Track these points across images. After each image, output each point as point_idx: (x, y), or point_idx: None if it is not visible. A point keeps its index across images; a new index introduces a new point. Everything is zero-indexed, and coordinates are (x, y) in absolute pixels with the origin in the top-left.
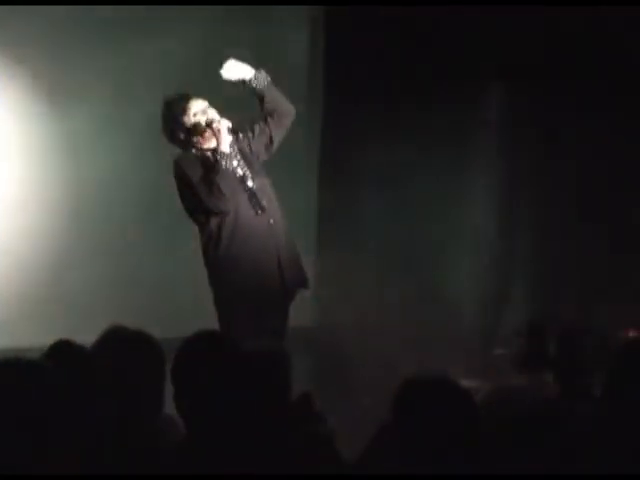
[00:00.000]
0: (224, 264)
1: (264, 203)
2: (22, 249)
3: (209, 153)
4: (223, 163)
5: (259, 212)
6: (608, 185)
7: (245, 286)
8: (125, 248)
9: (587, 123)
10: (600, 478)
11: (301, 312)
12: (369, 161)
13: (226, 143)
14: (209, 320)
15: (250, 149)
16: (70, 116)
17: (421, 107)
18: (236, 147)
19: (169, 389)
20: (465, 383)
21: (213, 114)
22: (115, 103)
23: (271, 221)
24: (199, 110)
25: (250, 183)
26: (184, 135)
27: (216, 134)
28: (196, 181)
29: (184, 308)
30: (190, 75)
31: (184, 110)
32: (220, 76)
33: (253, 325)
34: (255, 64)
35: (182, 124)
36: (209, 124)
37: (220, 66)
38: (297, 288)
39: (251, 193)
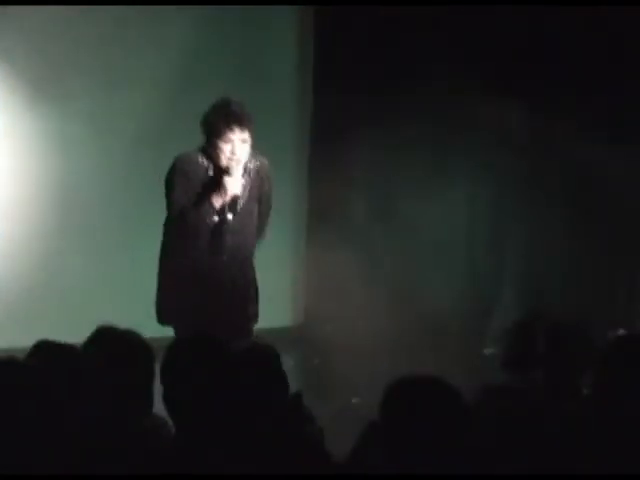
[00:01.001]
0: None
1: (228, 244)
2: (8, 251)
3: (213, 170)
4: (224, 183)
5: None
6: (596, 185)
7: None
8: (114, 248)
9: (571, 123)
10: (592, 478)
11: (284, 312)
12: (359, 161)
13: (236, 177)
14: None
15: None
16: (56, 115)
17: (410, 108)
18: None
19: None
20: (454, 382)
21: (244, 152)
22: (102, 102)
23: (224, 258)
24: (238, 139)
25: (229, 216)
26: (209, 144)
27: (231, 169)
28: (190, 184)
29: None
30: (180, 76)
31: (225, 130)
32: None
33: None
34: (245, 66)
35: (216, 137)
36: (230, 165)
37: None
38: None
39: (220, 229)
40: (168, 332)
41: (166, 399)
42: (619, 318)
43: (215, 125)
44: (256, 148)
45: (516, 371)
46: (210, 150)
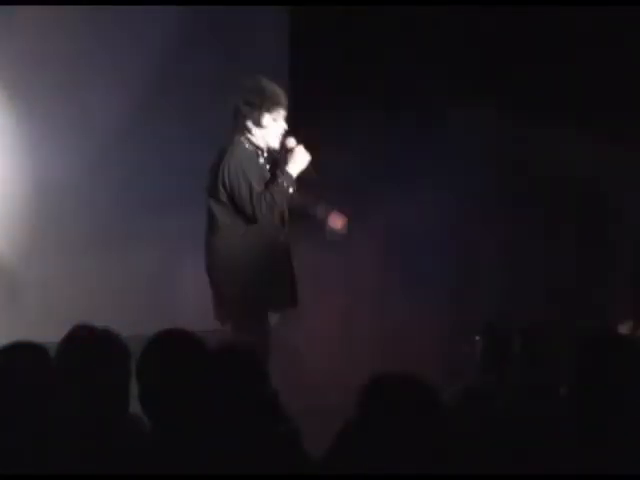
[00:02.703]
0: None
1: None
2: None
3: (267, 148)
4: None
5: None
6: (573, 187)
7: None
8: (89, 248)
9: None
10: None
11: None
12: (334, 161)
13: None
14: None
15: None
16: (31, 114)
17: (388, 107)
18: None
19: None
20: (430, 382)
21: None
22: (79, 102)
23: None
24: (281, 117)
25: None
26: (253, 126)
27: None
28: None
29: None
30: (157, 76)
31: (277, 107)
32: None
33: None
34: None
35: (260, 115)
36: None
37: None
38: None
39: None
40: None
41: (142, 397)
42: (593, 318)
43: (267, 107)
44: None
45: (491, 371)
46: (257, 132)
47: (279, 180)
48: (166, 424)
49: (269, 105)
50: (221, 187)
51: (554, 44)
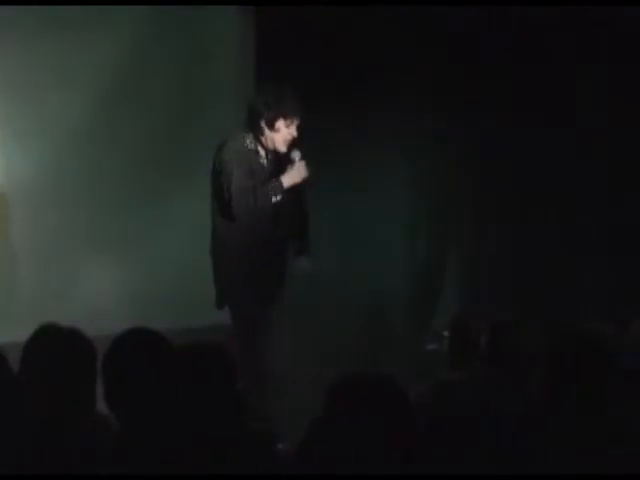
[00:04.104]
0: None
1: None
2: None
3: (272, 153)
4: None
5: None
6: (538, 183)
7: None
8: (48, 251)
9: (510, 122)
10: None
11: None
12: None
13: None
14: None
15: None
16: None
17: (352, 106)
18: None
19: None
20: (397, 379)
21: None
22: (39, 102)
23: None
24: (294, 125)
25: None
26: (265, 126)
27: (295, 151)
28: (249, 167)
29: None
30: (117, 75)
31: (289, 114)
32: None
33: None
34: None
35: (279, 121)
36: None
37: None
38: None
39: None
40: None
41: (107, 396)
42: (562, 314)
43: (283, 113)
44: (197, 148)
45: (459, 367)
46: (267, 133)
47: (268, 185)
48: (132, 424)
49: (286, 111)
50: (214, 176)
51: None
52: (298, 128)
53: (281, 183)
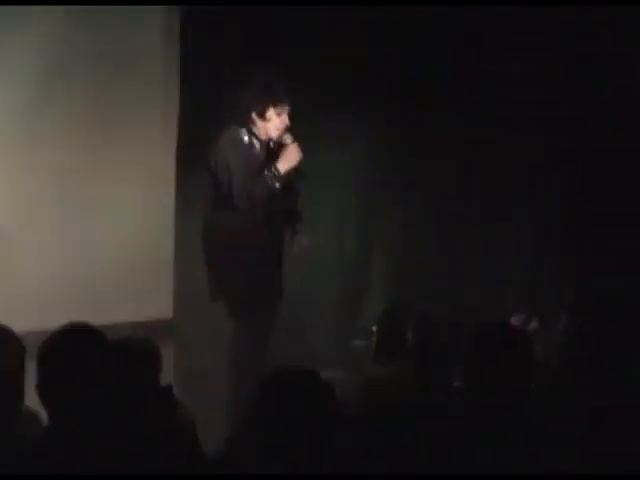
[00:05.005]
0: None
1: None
2: None
3: (264, 141)
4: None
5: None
6: (465, 182)
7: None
8: None
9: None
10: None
11: (161, 304)
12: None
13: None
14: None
15: None
16: None
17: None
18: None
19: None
20: (324, 375)
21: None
22: None
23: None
24: (285, 112)
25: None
26: (257, 117)
27: (288, 137)
28: (246, 156)
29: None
30: (44, 76)
31: (279, 102)
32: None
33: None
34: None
35: (270, 109)
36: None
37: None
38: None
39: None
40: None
41: (41, 391)
42: (488, 309)
43: (269, 98)
44: (121, 146)
45: (385, 363)
46: (259, 123)
47: (265, 174)
48: (63, 418)
49: (275, 99)
50: (209, 170)
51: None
52: (289, 115)
53: (278, 170)
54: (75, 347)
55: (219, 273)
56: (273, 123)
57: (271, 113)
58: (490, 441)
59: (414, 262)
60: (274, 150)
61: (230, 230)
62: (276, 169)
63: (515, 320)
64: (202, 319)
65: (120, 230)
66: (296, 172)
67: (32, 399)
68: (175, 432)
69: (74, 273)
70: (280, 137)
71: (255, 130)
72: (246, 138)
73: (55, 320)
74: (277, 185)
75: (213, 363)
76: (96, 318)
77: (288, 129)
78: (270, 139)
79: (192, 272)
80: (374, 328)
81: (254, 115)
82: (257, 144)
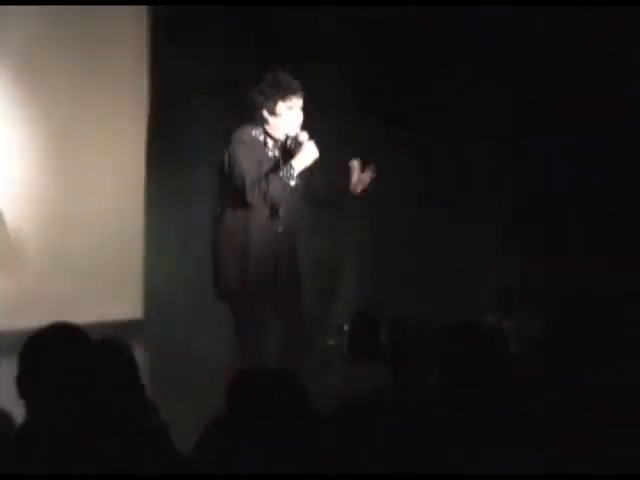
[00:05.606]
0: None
1: (282, 212)
2: None
3: (276, 139)
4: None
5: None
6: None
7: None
8: None
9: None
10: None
11: (130, 305)
12: (199, 160)
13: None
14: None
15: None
16: None
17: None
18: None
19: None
20: (297, 376)
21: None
22: None
23: (279, 229)
24: (296, 106)
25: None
26: (268, 115)
27: (302, 134)
28: (256, 154)
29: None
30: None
31: (292, 99)
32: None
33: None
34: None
35: (274, 104)
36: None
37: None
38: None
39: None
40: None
41: (21, 387)
42: (462, 308)
43: (276, 92)
44: (96, 146)
45: (358, 362)
46: (271, 120)
47: (280, 171)
48: (37, 415)
49: (283, 93)
50: (223, 171)
51: None
52: (302, 109)
53: (292, 167)
54: (57, 345)
55: (227, 270)
56: (285, 118)
57: (281, 108)
58: (465, 439)
59: (386, 261)
60: (290, 148)
61: (246, 229)
62: (291, 167)
63: (489, 319)
64: (172, 319)
65: (90, 231)
66: (311, 170)
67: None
68: (147, 432)
69: (43, 273)
70: (296, 134)
71: (268, 128)
72: (260, 137)
73: (25, 321)
74: (292, 183)
75: (184, 363)
76: (66, 319)
77: (302, 127)
78: (286, 136)
79: (162, 272)
80: (346, 327)
81: (265, 113)
82: (271, 142)
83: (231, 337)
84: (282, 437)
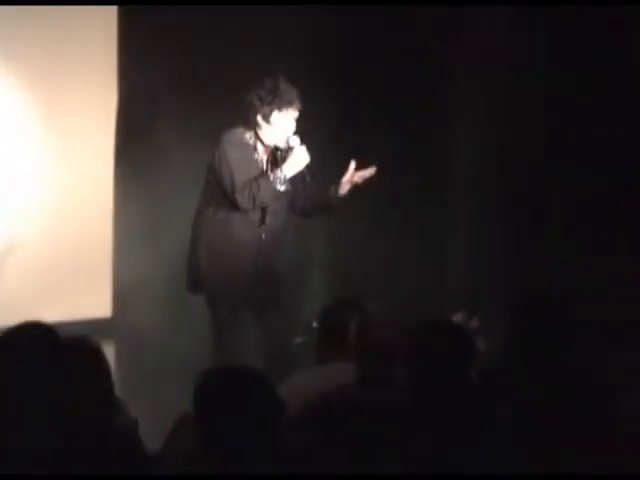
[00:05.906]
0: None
1: (268, 218)
2: None
3: (267, 145)
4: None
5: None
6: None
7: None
8: None
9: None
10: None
11: (99, 303)
12: (170, 161)
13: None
14: None
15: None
16: None
17: (219, 104)
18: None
19: None
20: (267, 371)
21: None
22: None
23: (263, 233)
24: (291, 116)
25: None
26: (262, 120)
27: (294, 140)
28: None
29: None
30: None
31: (286, 105)
32: None
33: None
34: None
35: (276, 112)
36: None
37: None
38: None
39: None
40: None
41: None
42: (429, 307)
43: (278, 105)
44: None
45: (327, 359)
46: (264, 126)
47: (270, 175)
48: (8, 414)
49: (280, 103)
50: (210, 170)
51: None
52: (296, 119)
53: (284, 173)
54: (26, 343)
55: (212, 271)
56: (279, 127)
57: (276, 117)
58: (431, 437)
59: (354, 259)
60: (279, 156)
61: (228, 229)
62: (282, 172)
63: (456, 318)
64: (141, 318)
65: (58, 229)
66: (303, 175)
67: None
68: (115, 431)
69: (9, 273)
70: (285, 144)
71: (260, 133)
72: (250, 141)
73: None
74: (282, 189)
75: (153, 362)
76: (34, 317)
77: (294, 133)
78: (276, 147)
79: (131, 270)
80: (315, 324)
81: (259, 118)
82: (261, 147)
83: (200, 336)
84: (249, 436)
